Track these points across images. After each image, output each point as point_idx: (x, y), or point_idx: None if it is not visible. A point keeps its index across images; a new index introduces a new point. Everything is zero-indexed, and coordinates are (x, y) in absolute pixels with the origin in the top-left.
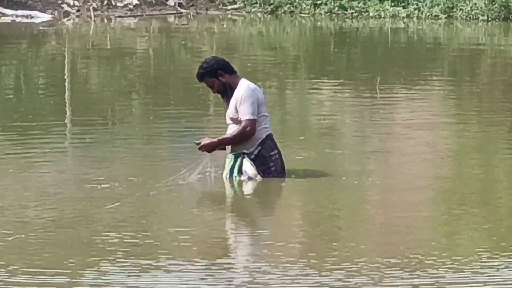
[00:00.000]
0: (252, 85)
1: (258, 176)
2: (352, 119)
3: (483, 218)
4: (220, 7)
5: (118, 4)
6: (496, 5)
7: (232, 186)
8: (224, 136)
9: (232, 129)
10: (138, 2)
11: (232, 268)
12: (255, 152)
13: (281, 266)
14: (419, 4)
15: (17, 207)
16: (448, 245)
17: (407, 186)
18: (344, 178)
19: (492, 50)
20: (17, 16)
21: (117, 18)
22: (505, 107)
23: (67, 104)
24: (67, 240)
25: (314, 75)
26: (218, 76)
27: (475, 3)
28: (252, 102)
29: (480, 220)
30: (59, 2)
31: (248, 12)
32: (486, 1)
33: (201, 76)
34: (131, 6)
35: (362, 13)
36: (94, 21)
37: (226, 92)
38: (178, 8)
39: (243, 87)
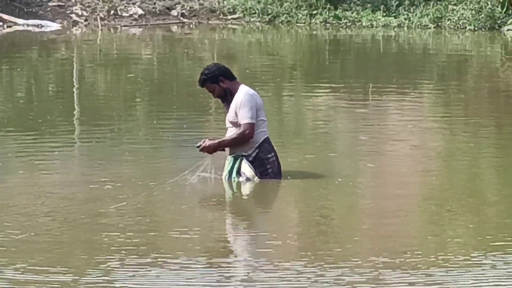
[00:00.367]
0: (251, 91)
1: (256, 177)
2: (346, 123)
3: (471, 218)
4: (220, 17)
5: (124, 14)
6: (482, 15)
7: (231, 186)
8: (224, 138)
9: (231, 132)
10: (143, 12)
11: (231, 266)
12: (253, 155)
13: (278, 265)
14: (409, 14)
15: (26, 206)
16: (438, 244)
17: (398, 187)
18: (339, 179)
19: (478, 58)
20: (28, 25)
21: (123, 28)
22: (490, 111)
23: (75, 108)
24: (73, 239)
25: (310, 81)
26: (219, 82)
27: (462, 14)
28: (251, 107)
29: (469, 220)
30: (68, 12)
31: (247, 22)
32: (473, 12)
33: (203, 82)
34: (136, 16)
35: (356, 22)
36: (101, 30)
37: (226, 97)
38: (181, 18)
39: (243, 92)
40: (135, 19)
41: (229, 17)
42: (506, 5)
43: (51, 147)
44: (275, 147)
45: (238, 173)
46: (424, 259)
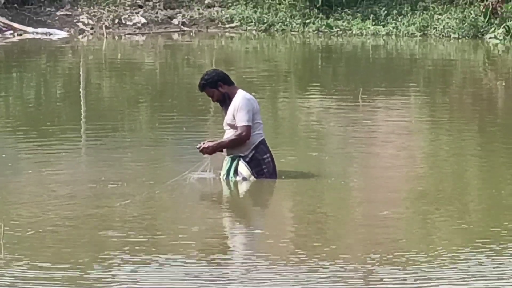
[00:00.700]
0: (248, 95)
1: (252, 177)
2: (338, 126)
3: (458, 215)
4: (219, 25)
5: (128, 22)
6: (466, 24)
7: (229, 186)
8: (222, 140)
9: (229, 134)
10: (146, 21)
11: (229, 262)
12: (250, 155)
13: (272, 262)
14: (397, 23)
15: (34, 204)
16: (427, 241)
17: (388, 186)
18: (332, 179)
19: (462, 64)
20: (37, 33)
21: (127, 35)
22: (473, 114)
23: (81, 112)
24: (78, 236)
25: (303, 86)
26: (218, 87)
27: (447, 22)
28: (248, 111)
29: (456, 217)
30: (75, 21)
31: (244, 30)
32: (457, 21)
33: (202, 87)
34: (139, 25)
35: (346, 31)
36: (106, 38)
37: (225, 101)
38: (182, 27)
39: (240, 97)
40: (138, 28)
41: (227, 25)
42: (488, 14)
43: (58, 148)
44: (270, 148)
45: (236, 173)
46: (414, 255)
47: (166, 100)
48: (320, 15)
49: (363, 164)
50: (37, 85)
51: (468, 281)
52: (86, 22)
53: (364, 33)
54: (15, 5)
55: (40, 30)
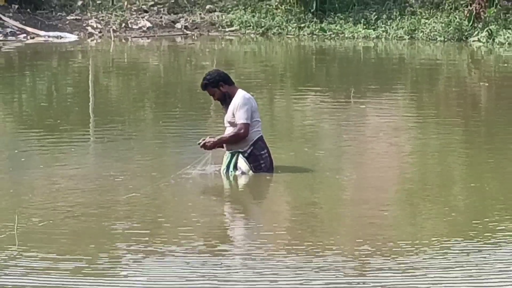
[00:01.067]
0: (247, 95)
1: (251, 171)
2: (331, 123)
3: (446, 208)
4: (219, 29)
5: (134, 26)
6: (451, 28)
7: (229, 179)
8: (222, 136)
9: (229, 131)
10: (151, 25)
11: (228, 253)
12: (248, 151)
13: (270, 252)
14: (387, 27)
15: (44, 197)
16: (417, 233)
17: (379, 181)
18: (327, 173)
19: (447, 65)
20: (49, 36)
21: (133, 39)
22: (458, 113)
23: (90, 110)
24: (87, 227)
25: (298, 86)
26: (219, 87)
27: (434, 26)
28: (247, 109)
29: (444, 210)
30: (84, 25)
31: (243, 34)
32: (443, 25)
33: (204, 86)
34: (145, 28)
35: (339, 34)
36: (114, 41)
37: (226, 100)
38: (185, 30)
39: (240, 96)
40: (143, 31)
41: (227, 29)
42: (472, 19)
43: (68, 144)
44: (267, 145)
45: (235, 167)
46: (404, 247)
47: (169, 99)
48: (314, 19)
49: (355, 159)
50: (48, 85)
51: (455, 269)
52: (95, 26)
53: (356, 36)
54: (28, 10)
55: (51, 33)
